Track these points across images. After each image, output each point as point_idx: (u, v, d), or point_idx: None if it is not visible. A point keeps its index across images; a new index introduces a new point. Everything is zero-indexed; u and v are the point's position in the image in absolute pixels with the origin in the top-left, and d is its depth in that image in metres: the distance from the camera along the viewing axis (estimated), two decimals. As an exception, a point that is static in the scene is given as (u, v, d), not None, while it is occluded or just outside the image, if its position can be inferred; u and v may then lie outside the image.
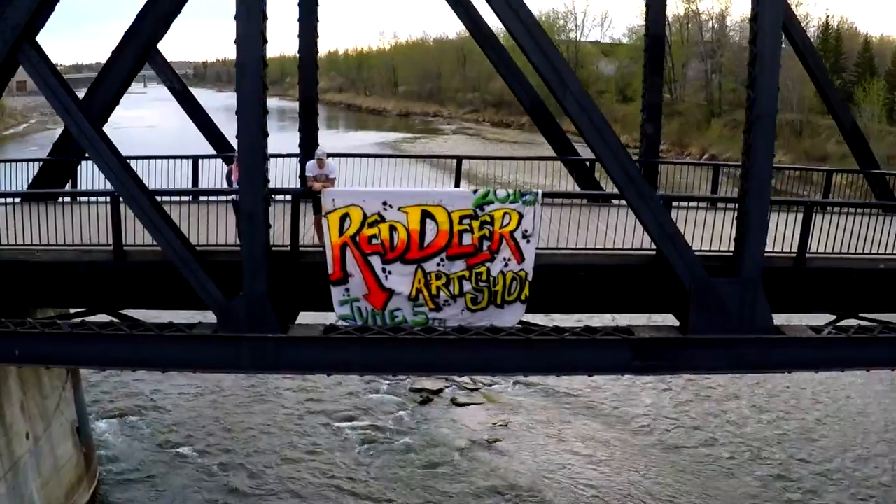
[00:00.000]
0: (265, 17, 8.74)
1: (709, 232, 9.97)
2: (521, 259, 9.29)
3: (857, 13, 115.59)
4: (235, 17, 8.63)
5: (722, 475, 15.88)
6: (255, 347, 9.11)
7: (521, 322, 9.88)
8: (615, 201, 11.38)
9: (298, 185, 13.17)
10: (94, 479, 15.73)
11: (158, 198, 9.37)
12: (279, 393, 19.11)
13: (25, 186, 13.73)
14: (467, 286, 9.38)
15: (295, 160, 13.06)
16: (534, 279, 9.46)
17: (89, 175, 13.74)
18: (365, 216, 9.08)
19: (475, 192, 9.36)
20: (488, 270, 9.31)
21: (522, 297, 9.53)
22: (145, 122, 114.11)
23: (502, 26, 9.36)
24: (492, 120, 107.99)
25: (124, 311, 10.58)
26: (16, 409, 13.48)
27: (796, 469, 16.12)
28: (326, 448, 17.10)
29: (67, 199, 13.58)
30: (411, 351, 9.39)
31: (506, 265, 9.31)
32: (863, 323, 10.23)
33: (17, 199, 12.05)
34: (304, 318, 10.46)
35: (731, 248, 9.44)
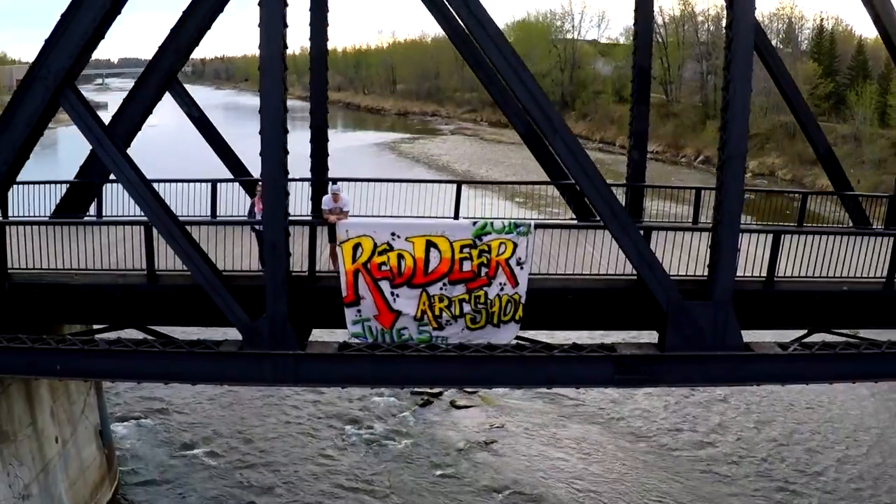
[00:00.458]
0: (286, 68, 9.72)
1: (689, 250, 11.04)
2: (515, 284, 10.32)
3: (852, 14, 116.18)
4: (259, 69, 9.63)
5: (712, 475, 16.87)
6: (277, 363, 10.15)
7: (518, 336, 10.97)
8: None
9: (310, 207, 14.27)
10: (115, 480, 16.74)
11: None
12: (289, 397, 20.03)
13: (52, 206, 14.74)
14: (467, 308, 10.42)
15: (307, 185, 14.05)
16: (527, 301, 10.49)
17: (113, 196, 14.76)
18: (375, 245, 10.10)
19: (474, 223, 10.37)
20: (486, 294, 10.34)
21: (517, 317, 10.57)
22: (146, 122, 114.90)
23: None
24: (490, 120, 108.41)
25: (150, 326, 11.62)
26: (46, 415, 14.49)
27: (782, 467, 17.23)
28: (333, 448, 18.12)
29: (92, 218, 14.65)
30: (417, 366, 10.45)
31: (501, 289, 10.34)
32: (826, 340, 11.27)
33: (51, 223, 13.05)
34: (318, 334, 11.48)
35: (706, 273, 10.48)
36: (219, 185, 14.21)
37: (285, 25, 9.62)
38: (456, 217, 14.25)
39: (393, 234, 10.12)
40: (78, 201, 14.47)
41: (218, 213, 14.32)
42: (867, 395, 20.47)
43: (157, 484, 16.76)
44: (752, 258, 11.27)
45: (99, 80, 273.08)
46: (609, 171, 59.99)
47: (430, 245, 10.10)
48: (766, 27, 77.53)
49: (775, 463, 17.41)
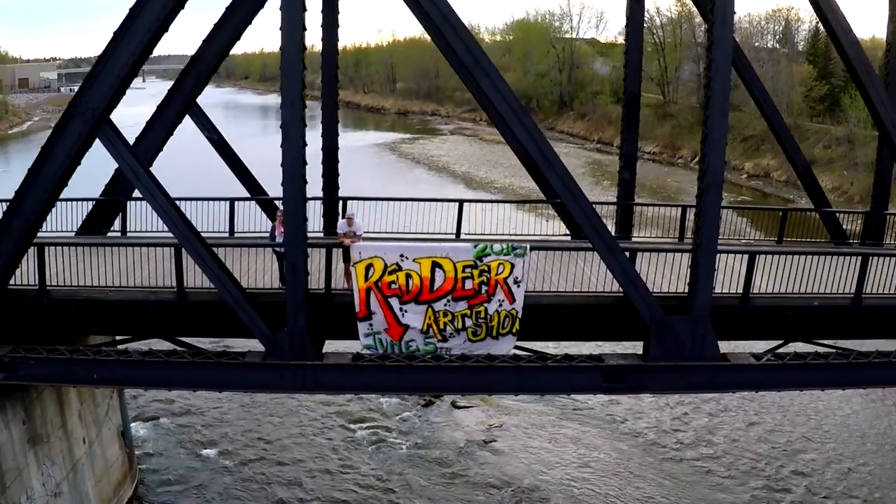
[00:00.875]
0: (304, 106, 10.72)
1: (672, 266, 12.05)
2: (512, 300, 11.35)
3: (848, 15, 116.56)
4: (281, 108, 10.62)
5: (703, 472, 17.89)
6: (297, 372, 11.20)
7: (516, 346, 12.01)
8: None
9: (321, 223, 15.26)
10: (135, 477, 17.78)
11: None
12: (299, 398, 20.94)
13: (75, 220, 15.69)
14: (469, 322, 11.45)
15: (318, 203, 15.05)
16: (523, 315, 11.51)
17: (137, 213, 15.70)
18: (386, 266, 11.12)
19: (475, 246, 11.38)
20: (486, 309, 11.37)
21: (514, 330, 11.60)
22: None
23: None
24: (489, 119, 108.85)
25: (178, 338, 12.65)
26: (75, 418, 15.50)
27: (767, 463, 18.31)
28: (341, 445, 19.17)
29: (117, 233, 15.65)
30: (423, 374, 11.51)
31: (500, 305, 11.37)
32: (798, 351, 12.31)
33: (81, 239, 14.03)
34: (331, 345, 12.49)
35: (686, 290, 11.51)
36: (237, 203, 15.17)
37: (304, 68, 10.62)
38: (458, 233, 15.25)
39: (402, 255, 11.14)
40: (103, 217, 15.46)
41: (236, 229, 15.30)
42: (860, 400, 21.40)
43: (174, 482, 17.79)
44: (731, 272, 12.30)
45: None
46: (607, 173, 60.90)
47: (435, 265, 11.12)
48: (762, 28, 78.47)
49: (762, 460, 18.48)
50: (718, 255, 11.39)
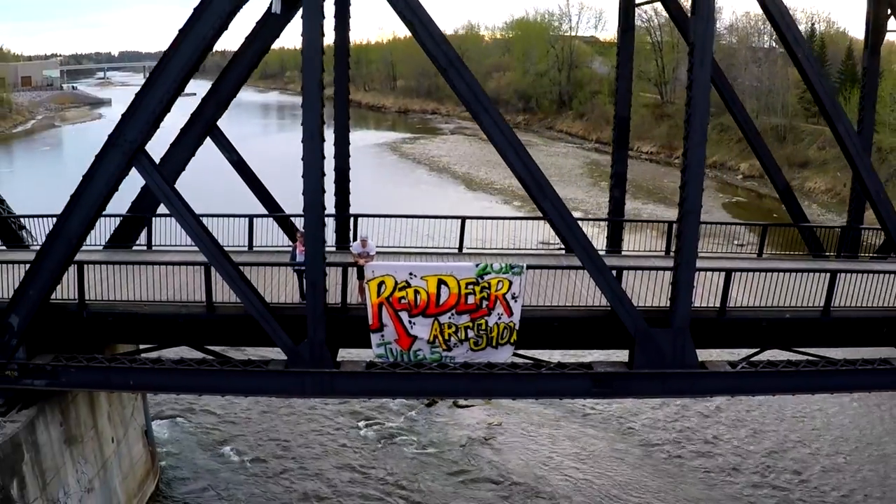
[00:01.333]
0: (323, 140, 11.87)
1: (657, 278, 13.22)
2: (510, 314, 12.54)
3: (845, 16, 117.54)
4: (302, 142, 11.78)
5: (696, 468, 19.01)
6: (316, 379, 12.41)
7: (515, 354, 13.19)
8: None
9: (334, 239, 16.41)
10: (157, 474, 18.98)
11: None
12: (311, 400, 21.93)
13: (105, 236, 16.83)
14: (471, 333, 12.65)
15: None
16: (520, 327, 12.70)
17: (162, 229, 16.83)
18: (396, 283, 12.30)
19: (477, 265, 12.55)
20: (486, 322, 12.56)
21: (512, 340, 12.80)
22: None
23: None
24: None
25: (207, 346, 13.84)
26: (105, 419, 16.69)
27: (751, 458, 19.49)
28: (349, 443, 20.38)
29: (142, 247, 16.80)
30: (430, 381, 12.74)
31: (499, 318, 12.56)
32: (771, 358, 13.50)
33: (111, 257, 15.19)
34: (344, 354, 13.68)
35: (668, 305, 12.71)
36: (255, 219, 16.36)
37: (322, 106, 11.78)
38: (461, 247, 16.42)
39: (411, 273, 12.32)
40: (130, 232, 16.63)
41: (255, 243, 16.48)
42: (851, 405, 22.37)
43: (192, 477, 18.99)
44: (710, 285, 13.49)
45: (101, 74, 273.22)
46: (605, 173, 61.91)
47: (441, 282, 12.31)
48: (759, 29, 79.22)
49: (752, 456, 19.69)
50: (698, 272, 12.57)
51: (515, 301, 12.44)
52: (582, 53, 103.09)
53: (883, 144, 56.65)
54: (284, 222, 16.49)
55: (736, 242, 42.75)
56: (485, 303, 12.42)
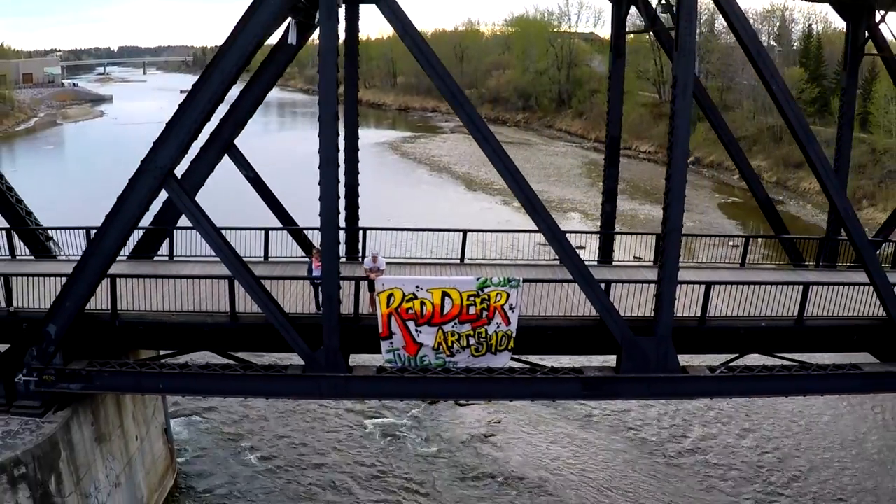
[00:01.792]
0: (338, 166, 13.01)
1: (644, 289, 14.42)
2: (508, 323, 13.72)
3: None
4: (319, 168, 12.92)
5: (689, 465, 20.18)
6: (332, 382, 13.63)
7: (513, 359, 14.37)
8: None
9: (344, 250, 17.55)
10: (175, 469, 20.20)
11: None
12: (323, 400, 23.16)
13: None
14: (472, 341, 13.83)
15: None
16: (517, 335, 13.88)
17: (183, 240, 17.96)
18: (404, 295, 13.47)
19: (478, 279, 13.72)
20: (486, 331, 13.75)
21: (509, 347, 13.99)
22: (152, 118, 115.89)
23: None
24: (488, 116, 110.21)
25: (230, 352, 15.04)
26: (130, 418, 17.89)
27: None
28: (356, 439, 21.62)
29: (164, 257, 17.93)
30: (435, 384, 13.96)
31: (498, 327, 13.74)
32: (748, 364, 14.68)
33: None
34: (356, 359, 14.87)
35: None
36: (270, 232, 17.54)
37: (338, 134, 12.91)
38: (462, 258, 17.60)
39: (417, 286, 13.50)
40: (153, 243, 17.77)
41: (269, 254, 17.63)
42: (844, 410, 23.47)
43: (208, 472, 20.24)
44: (693, 294, 14.66)
45: (100, 70, 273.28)
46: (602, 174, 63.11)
47: (444, 295, 13.49)
48: (757, 30, 79.86)
49: (741, 451, 20.93)
50: (680, 284, 13.74)
51: (513, 311, 13.62)
52: (581, 51, 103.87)
53: (877, 146, 57.66)
54: (298, 235, 17.64)
55: (731, 244, 43.95)
56: (485, 313, 13.60)
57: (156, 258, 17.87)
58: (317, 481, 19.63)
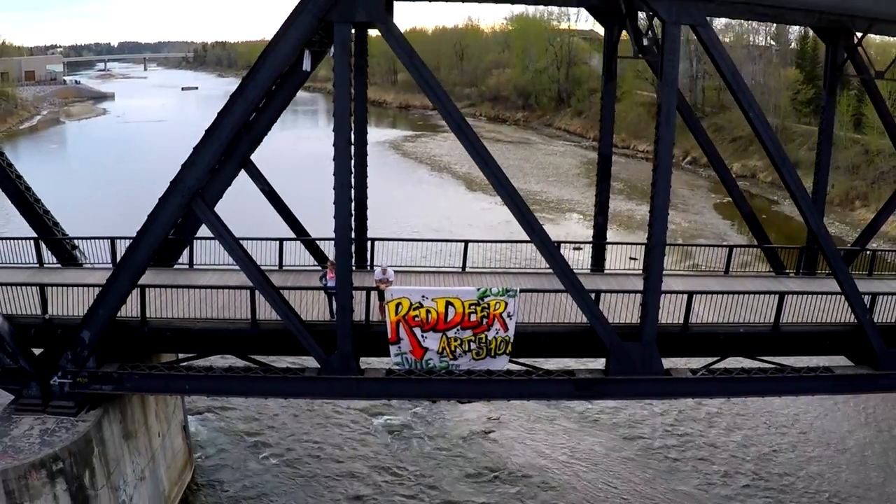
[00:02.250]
0: (351, 186, 14.22)
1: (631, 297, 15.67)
2: (506, 329, 14.97)
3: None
4: (333, 188, 14.14)
5: (683, 463, 21.33)
6: (344, 384, 14.91)
7: (511, 361, 15.61)
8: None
9: (354, 259, 18.76)
10: (193, 463, 21.45)
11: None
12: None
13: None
14: (473, 346, 15.08)
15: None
16: (514, 340, 15.13)
17: (201, 249, 19.17)
18: (411, 304, 14.71)
19: (478, 289, 14.96)
20: (486, 336, 15.00)
21: (507, 351, 15.24)
22: (154, 115, 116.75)
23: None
24: (488, 115, 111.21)
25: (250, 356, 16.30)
26: (153, 416, 19.14)
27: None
28: (361, 435, 22.86)
29: (184, 266, 19.14)
30: (439, 385, 15.24)
31: (497, 333, 14.98)
32: (727, 367, 15.94)
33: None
34: (365, 362, 16.11)
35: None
36: (284, 242, 18.80)
37: (351, 158, 14.12)
38: (464, 267, 18.84)
39: (423, 296, 14.74)
40: (174, 252, 18.97)
41: (283, 263, 18.87)
42: (838, 411, 24.57)
43: (223, 466, 21.48)
44: (678, 301, 15.91)
45: (101, 66, 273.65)
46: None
47: (448, 304, 14.73)
48: (755, 28, 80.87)
49: (728, 445, 22.19)
50: (664, 294, 14.98)
51: (510, 319, 14.87)
52: (581, 50, 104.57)
53: (870, 147, 58.60)
54: (311, 245, 18.87)
55: (725, 243, 45.07)
56: (485, 320, 14.85)
57: (175, 266, 19.10)
58: (326, 474, 20.85)
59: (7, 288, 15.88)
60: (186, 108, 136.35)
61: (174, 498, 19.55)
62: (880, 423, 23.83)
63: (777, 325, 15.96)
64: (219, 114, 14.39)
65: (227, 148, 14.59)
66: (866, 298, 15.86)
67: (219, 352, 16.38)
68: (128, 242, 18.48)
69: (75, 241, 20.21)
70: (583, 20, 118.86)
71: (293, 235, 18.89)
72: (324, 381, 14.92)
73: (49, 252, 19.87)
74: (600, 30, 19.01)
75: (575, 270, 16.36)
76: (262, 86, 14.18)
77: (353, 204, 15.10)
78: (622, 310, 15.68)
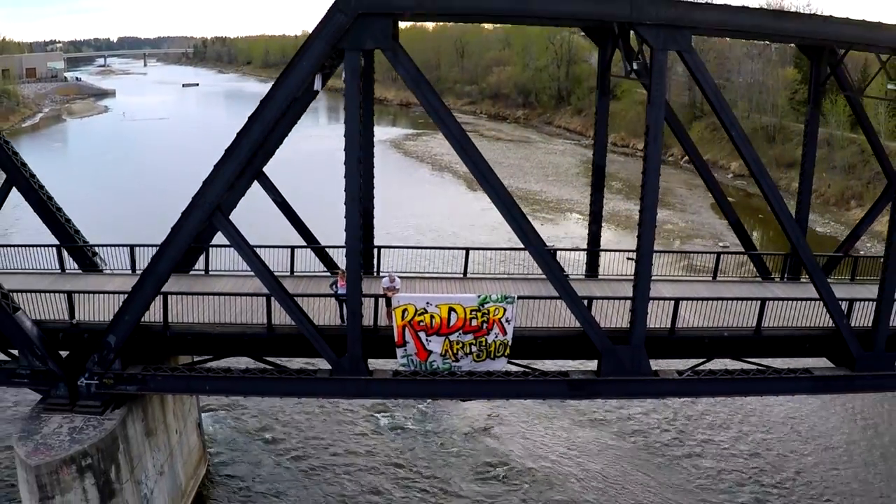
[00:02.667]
0: (360, 200, 15.26)
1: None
2: (505, 333, 16.05)
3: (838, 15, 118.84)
4: (344, 202, 15.19)
5: (679, 460, 22.34)
6: (355, 384, 16.03)
7: (509, 363, 16.70)
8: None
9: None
10: (206, 459, 22.53)
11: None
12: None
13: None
14: (474, 348, 16.17)
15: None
16: (512, 343, 16.21)
17: (216, 256, 20.21)
18: (416, 310, 15.78)
19: (479, 296, 16.02)
20: (486, 340, 16.08)
21: (506, 353, 16.33)
22: (156, 113, 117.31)
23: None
24: (489, 112, 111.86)
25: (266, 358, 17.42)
26: (171, 414, 20.22)
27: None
28: (366, 431, 23.94)
29: (200, 272, 20.18)
30: (442, 385, 16.35)
31: (496, 336, 16.07)
32: (712, 368, 17.02)
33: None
34: (373, 363, 17.20)
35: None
36: (296, 250, 19.87)
37: (360, 175, 15.19)
38: (465, 273, 19.92)
39: (427, 303, 15.82)
40: (190, 259, 20.02)
41: (295, 269, 19.93)
42: (834, 413, 25.56)
43: (235, 461, 22.54)
44: (667, 306, 16.97)
45: (101, 61, 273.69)
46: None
47: (451, 310, 15.81)
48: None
49: (721, 444, 23.30)
50: (653, 301, 16.05)
51: (509, 323, 15.96)
52: (580, 48, 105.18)
53: (866, 146, 59.30)
54: (321, 252, 19.93)
55: (721, 244, 46.00)
56: (485, 325, 15.93)
57: (191, 272, 20.16)
58: (335, 469, 21.94)
59: (36, 294, 16.93)
60: (187, 105, 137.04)
61: (190, 491, 20.65)
62: (867, 421, 24.96)
63: (759, 330, 17.03)
64: (238, 134, 15.42)
65: (243, 168, 15.59)
66: (844, 304, 16.92)
67: (236, 354, 17.46)
68: (147, 250, 19.69)
69: (95, 248, 21.22)
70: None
71: (304, 243, 19.94)
72: (335, 381, 16.01)
73: (70, 258, 20.88)
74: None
75: (570, 276, 17.59)
76: (279, 107, 15.23)
77: (361, 226, 16.13)
78: (613, 315, 16.76)
